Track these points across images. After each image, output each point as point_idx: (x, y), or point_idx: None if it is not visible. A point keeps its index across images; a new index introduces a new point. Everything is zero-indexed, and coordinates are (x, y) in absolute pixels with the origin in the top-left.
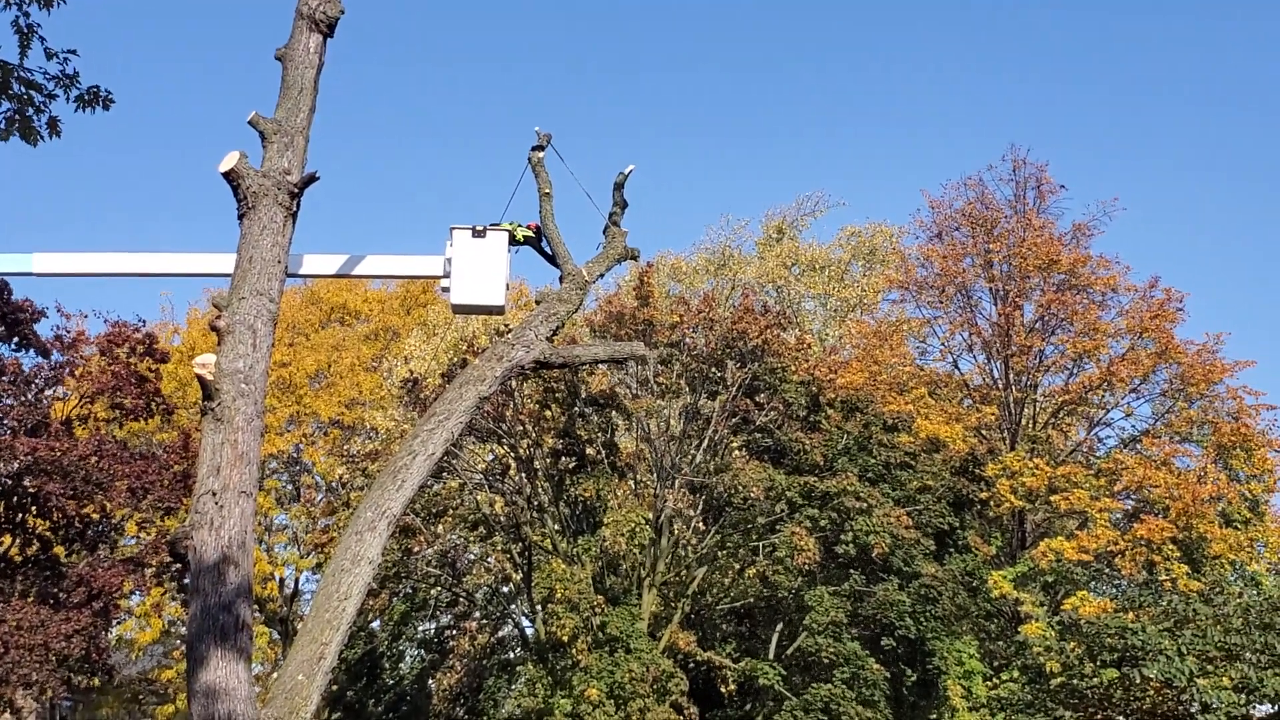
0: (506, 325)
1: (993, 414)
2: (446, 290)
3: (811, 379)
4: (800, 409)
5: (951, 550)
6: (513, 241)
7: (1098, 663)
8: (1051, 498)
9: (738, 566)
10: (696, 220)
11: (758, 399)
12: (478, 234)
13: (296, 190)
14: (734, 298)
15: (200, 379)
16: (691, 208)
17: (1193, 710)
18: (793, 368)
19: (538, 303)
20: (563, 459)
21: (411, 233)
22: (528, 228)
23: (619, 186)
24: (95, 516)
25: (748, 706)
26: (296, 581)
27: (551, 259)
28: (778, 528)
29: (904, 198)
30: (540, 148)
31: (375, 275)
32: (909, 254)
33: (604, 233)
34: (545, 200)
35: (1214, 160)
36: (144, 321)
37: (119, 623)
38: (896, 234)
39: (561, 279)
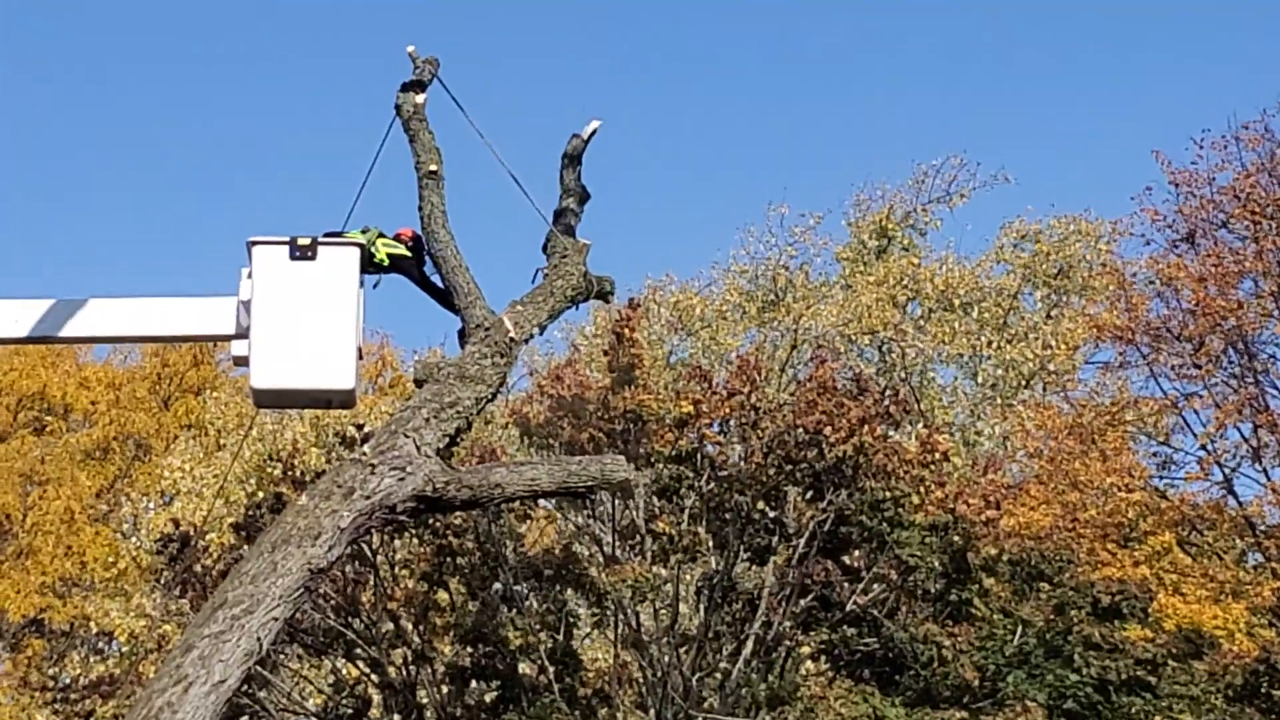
0: (359, 426)
1: None
2: (242, 363)
3: (952, 519)
4: (932, 577)
5: None
6: (370, 266)
7: None
8: None
9: None
10: (721, 219)
11: (848, 559)
12: (301, 253)
13: None
14: (797, 363)
15: None
16: (711, 198)
17: None
18: (915, 498)
19: (419, 383)
20: (473, 684)
21: (176, 256)
22: (397, 239)
23: (573, 160)
24: None
25: None
26: None
27: (444, 297)
28: None
29: (1120, 167)
30: (419, 86)
31: (105, 338)
32: (1132, 274)
33: (545, 248)
34: (430, 186)
35: None
36: None
37: None
38: (1108, 236)
39: (464, 335)
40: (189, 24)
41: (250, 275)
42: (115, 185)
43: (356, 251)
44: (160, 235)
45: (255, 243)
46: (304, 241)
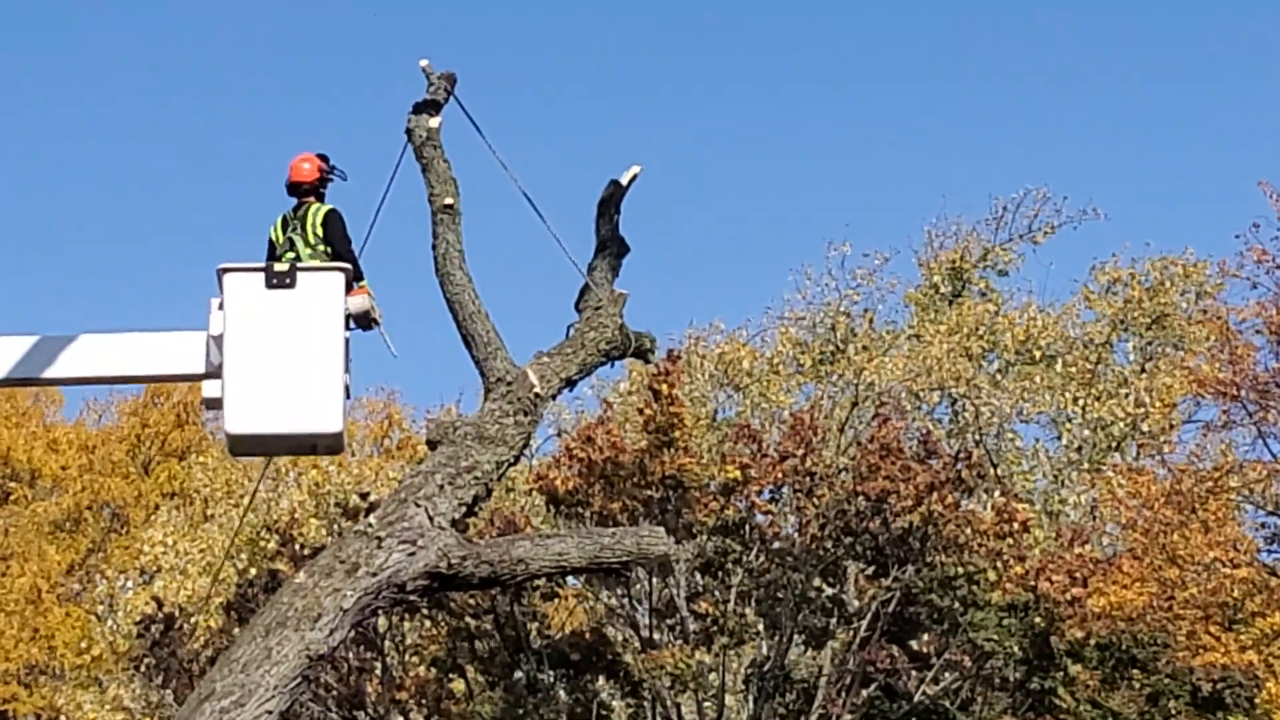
0: (364, 495)
1: None
2: (214, 405)
3: (1033, 598)
4: (1010, 664)
5: None
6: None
7: None
8: None
9: None
10: (774, 260)
11: (916, 643)
12: (279, 280)
13: None
14: (858, 423)
15: None
16: (763, 237)
17: None
18: (991, 575)
19: (432, 445)
20: None
21: (138, 288)
22: (296, 186)
23: (611, 206)
24: None
25: None
26: None
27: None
28: None
29: (1224, 200)
30: (433, 107)
31: (53, 380)
32: (1237, 321)
33: (578, 305)
34: (445, 222)
35: None
36: None
37: None
38: (1213, 278)
39: (486, 391)
40: (155, 38)
41: (221, 306)
42: (64, 211)
43: (341, 277)
44: (120, 265)
45: (227, 269)
46: (281, 267)
